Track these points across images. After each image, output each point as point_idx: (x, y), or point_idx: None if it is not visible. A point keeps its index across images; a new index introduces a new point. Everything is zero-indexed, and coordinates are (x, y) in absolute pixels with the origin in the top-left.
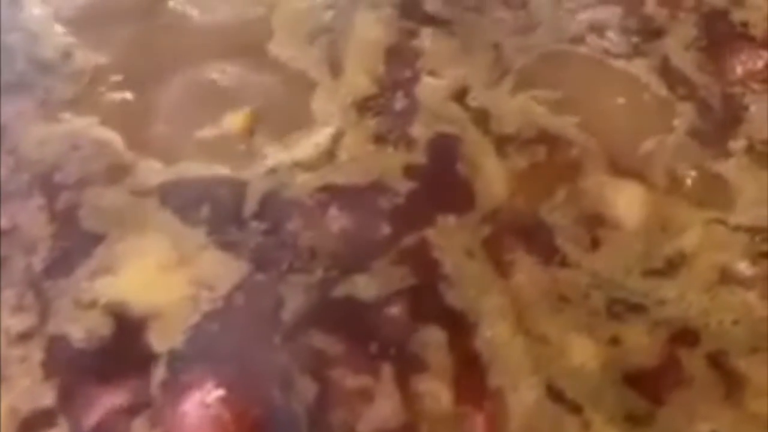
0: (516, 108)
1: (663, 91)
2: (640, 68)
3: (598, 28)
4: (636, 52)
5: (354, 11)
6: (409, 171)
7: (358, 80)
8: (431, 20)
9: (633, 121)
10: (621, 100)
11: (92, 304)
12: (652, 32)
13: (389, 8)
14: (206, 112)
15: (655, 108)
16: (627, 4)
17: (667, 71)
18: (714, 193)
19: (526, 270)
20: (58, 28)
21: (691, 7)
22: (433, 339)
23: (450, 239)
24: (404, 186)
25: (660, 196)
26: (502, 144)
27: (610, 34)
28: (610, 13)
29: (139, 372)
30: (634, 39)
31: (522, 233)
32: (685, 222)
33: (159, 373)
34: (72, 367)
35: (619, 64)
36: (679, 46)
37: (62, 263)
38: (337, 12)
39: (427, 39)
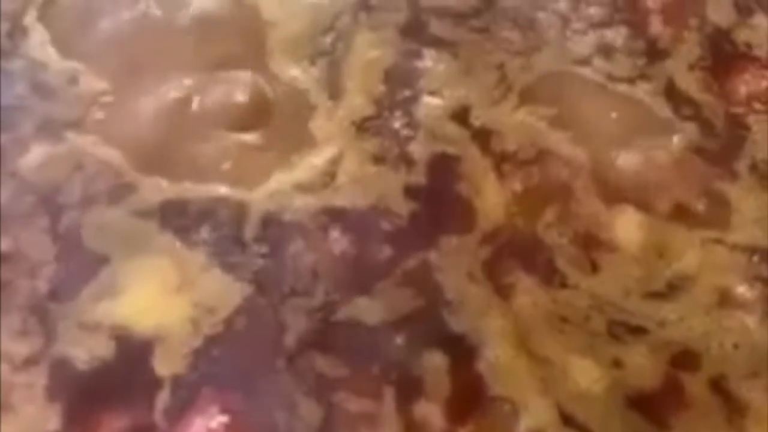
0: (517, 124)
1: (666, 113)
2: (643, 91)
3: (604, 51)
4: (640, 75)
5: (355, 33)
6: (410, 192)
7: (357, 101)
8: (435, 41)
9: (631, 142)
10: (620, 122)
11: (96, 327)
12: (656, 53)
13: (392, 30)
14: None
15: (656, 130)
16: (633, 24)
17: (671, 93)
18: (714, 214)
19: (527, 292)
20: (59, 54)
21: (695, 26)
22: (435, 364)
23: (451, 261)
24: (405, 207)
25: (657, 218)
26: (501, 164)
27: (616, 56)
28: (617, 34)
29: (143, 396)
30: (639, 62)
31: (521, 254)
32: (683, 244)
33: (163, 397)
34: (76, 392)
35: (622, 88)
36: (683, 66)
37: (66, 286)
38: (337, 34)
39: (429, 59)
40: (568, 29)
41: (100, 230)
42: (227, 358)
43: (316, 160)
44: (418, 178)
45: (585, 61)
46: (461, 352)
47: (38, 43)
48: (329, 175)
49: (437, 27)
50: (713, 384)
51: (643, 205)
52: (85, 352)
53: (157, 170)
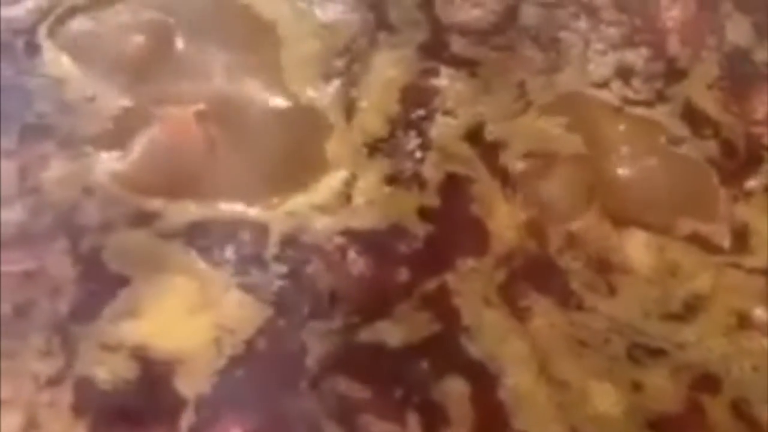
0: (530, 133)
1: (683, 134)
2: (661, 113)
3: (623, 73)
4: (658, 97)
5: (373, 52)
6: (424, 213)
7: (372, 121)
8: (455, 60)
9: (644, 163)
10: (634, 142)
11: (118, 347)
12: (675, 73)
13: (411, 49)
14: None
15: (671, 151)
16: (652, 45)
17: (689, 113)
18: (731, 235)
19: (544, 315)
20: (78, 73)
21: (714, 46)
22: (457, 391)
23: (468, 285)
24: (421, 229)
25: (669, 238)
26: (512, 185)
27: (635, 80)
28: (637, 56)
29: (167, 416)
30: (657, 84)
31: (536, 277)
32: (696, 264)
33: (187, 417)
34: (101, 410)
35: (639, 111)
36: (701, 86)
37: (88, 306)
38: (353, 55)
39: (446, 78)
40: (590, 50)
41: (122, 251)
42: (250, 379)
43: (332, 180)
44: (432, 199)
45: (603, 84)
46: (482, 379)
47: (53, 60)
48: (345, 196)
49: (458, 45)
50: (734, 407)
51: (654, 226)
52: (108, 372)
53: (180, 192)
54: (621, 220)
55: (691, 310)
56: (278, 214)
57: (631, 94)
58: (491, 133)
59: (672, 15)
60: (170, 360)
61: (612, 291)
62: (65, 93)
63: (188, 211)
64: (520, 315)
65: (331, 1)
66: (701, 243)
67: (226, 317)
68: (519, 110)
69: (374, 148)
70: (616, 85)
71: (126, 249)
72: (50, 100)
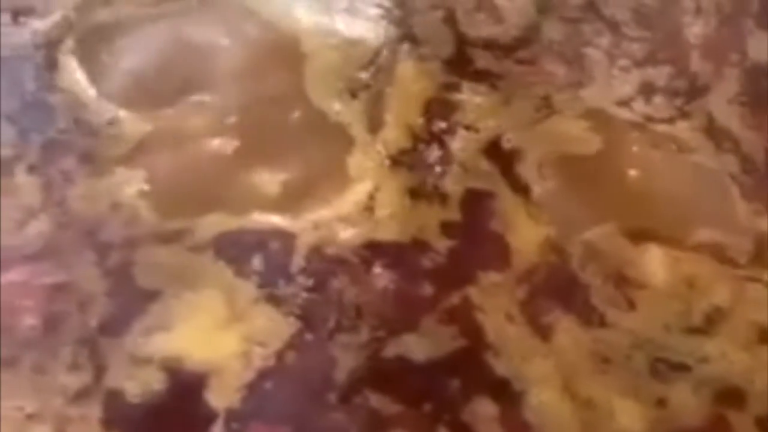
0: (549, 138)
1: (705, 149)
2: (682, 130)
3: (646, 91)
4: (680, 114)
5: (397, 65)
6: (446, 228)
7: (395, 134)
8: (477, 74)
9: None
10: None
11: (148, 361)
12: (697, 90)
13: (435, 63)
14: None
15: (690, 164)
16: (674, 61)
17: (711, 129)
18: (751, 249)
19: (567, 332)
20: (100, 90)
21: (735, 62)
22: (485, 411)
23: (491, 301)
24: (443, 244)
25: (682, 252)
26: (532, 200)
27: (657, 98)
28: (660, 73)
29: (198, 429)
30: (678, 101)
31: (558, 294)
32: (712, 278)
33: (217, 431)
34: (131, 424)
35: (661, 128)
36: (723, 101)
37: (116, 320)
38: (377, 67)
39: (467, 92)
40: (614, 67)
41: (151, 265)
42: (279, 393)
43: (354, 193)
44: (453, 214)
45: (626, 102)
46: (508, 398)
47: (74, 76)
48: (368, 209)
49: (482, 60)
50: (760, 422)
51: (670, 239)
52: (137, 385)
53: (207, 207)
54: (638, 233)
55: (711, 323)
56: (303, 226)
57: (653, 112)
58: (509, 141)
59: (694, 31)
60: (200, 373)
61: (632, 305)
62: (86, 110)
63: (215, 225)
64: (543, 332)
65: (353, 15)
66: (718, 256)
67: (255, 330)
68: (541, 118)
69: (397, 161)
70: (638, 103)
71: (155, 263)
72: (71, 116)
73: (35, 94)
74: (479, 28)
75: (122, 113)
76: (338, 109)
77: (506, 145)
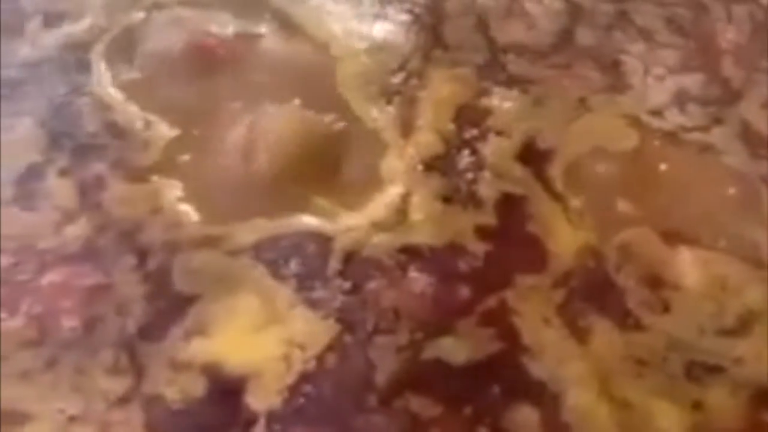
0: (583, 134)
1: (739, 154)
2: (717, 137)
3: (680, 101)
4: (714, 121)
5: (429, 70)
6: (482, 232)
7: (427, 139)
8: (509, 78)
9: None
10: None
11: (188, 366)
12: (729, 96)
13: (467, 68)
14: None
15: (723, 170)
16: (707, 68)
17: (746, 134)
18: None
19: (603, 335)
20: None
21: (766, 67)
22: (521, 411)
23: (527, 305)
24: (479, 247)
25: (713, 254)
26: (568, 203)
27: (691, 107)
28: (693, 81)
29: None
30: (712, 108)
31: (594, 297)
32: (743, 280)
33: None
34: (173, 428)
35: (695, 136)
36: (755, 106)
37: (155, 324)
38: (408, 74)
39: (498, 97)
40: (650, 75)
41: (189, 270)
42: (320, 395)
43: (387, 197)
44: (489, 218)
45: (659, 112)
46: (545, 400)
47: (105, 81)
48: (401, 214)
49: (514, 65)
50: None
51: (702, 241)
52: (178, 390)
53: (245, 213)
54: (671, 236)
55: (745, 324)
56: (338, 230)
57: (687, 121)
58: (543, 141)
59: (727, 37)
60: (240, 376)
61: (666, 308)
62: (117, 113)
63: (253, 229)
64: (580, 335)
65: (382, 20)
66: (750, 258)
67: (294, 333)
68: (575, 117)
69: (429, 165)
70: (673, 112)
71: (193, 267)
72: (102, 120)
73: (65, 99)
74: (511, 33)
75: (154, 117)
76: (371, 113)
77: (541, 145)
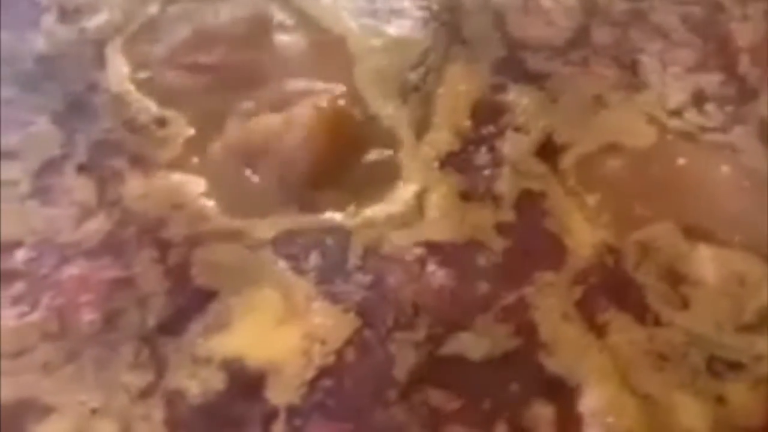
0: (601, 129)
1: (756, 154)
2: (737, 136)
3: (697, 101)
4: (733, 120)
5: (446, 66)
6: (501, 228)
7: (443, 135)
8: (525, 75)
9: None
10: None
11: (209, 360)
12: (747, 94)
13: (485, 64)
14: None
15: (737, 169)
16: (724, 67)
17: (764, 132)
18: None
19: (622, 330)
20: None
21: None
22: (539, 406)
23: (546, 300)
24: (498, 244)
25: (730, 251)
26: (584, 200)
27: (709, 106)
28: (710, 80)
29: (259, 426)
30: (729, 108)
31: (613, 293)
32: (761, 276)
33: (278, 427)
34: (193, 423)
35: (715, 137)
36: None
37: (175, 319)
38: (426, 69)
39: (516, 93)
40: (667, 74)
41: (209, 264)
42: (340, 390)
43: (405, 193)
44: (507, 214)
45: (678, 112)
46: (564, 395)
47: (121, 76)
48: (418, 209)
49: (531, 61)
50: None
51: (720, 238)
52: (198, 385)
53: (266, 209)
54: (689, 232)
55: (764, 321)
56: (357, 225)
57: (705, 121)
58: (560, 136)
59: (743, 36)
60: (261, 370)
61: (685, 304)
62: (133, 109)
63: (273, 223)
64: (598, 331)
65: (399, 17)
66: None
67: (314, 328)
68: (592, 113)
69: (446, 162)
70: (691, 113)
71: (214, 262)
72: (118, 115)
73: (82, 94)
74: (528, 30)
75: (171, 113)
76: (389, 109)
77: (558, 142)
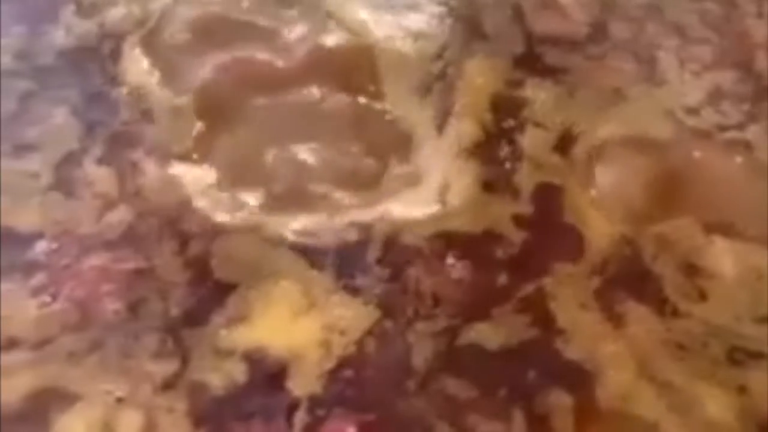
0: (619, 121)
1: None
2: (754, 133)
3: (714, 99)
4: (749, 118)
5: (466, 59)
6: (519, 220)
7: (465, 127)
8: (544, 69)
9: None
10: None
11: (230, 352)
12: (763, 91)
13: (505, 58)
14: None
15: (753, 166)
16: (740, 64)
17: None
18: None
19: (640, 321)
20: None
21: None
22: (555, 394)
23: (565, 291)
24: (517, 235)
25: (747, 244)
26: (602, 193)
27: (725, 104)
28: (727, 77)
29: (282, 416)
30: (746, 105)
31: (631, 284)
32: None
33: (300, 418)
34: (217, 413)
35: (731, 135)
36: None
37: (197, 310)
38: (446, 62)
39: (535, 88)
40: (685, 71)
41: (229, 257)
42: (360, 380)
43: (426, 185)
44: (526, 206)
45: (695, 110)
46: (581, 382)
47: (139, 69)
48: (439, 202)
49: (550, 56)
50: None
51: (736, 231)
52: (221, 377)
53: (282, 203)
54: (706, 226)
55: None
56: (377, 217)
57: (722, 120)
58: (580, 131)
59: (759, 32)
60: (282, 361)
61: (703, 296)
62: (151, 102)
63: (293, 216)
64: (616, 320)
65: (415, 11)
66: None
67: (334, 319)
68: (610, 105)
69: (468, 153)
70: (708, 111)
71: (233, 255)
72: (136, 108)
73: (100, 87)
74: (546, 24)
75: (188, 105)
76: (411, 101)
77: (576, 136)
